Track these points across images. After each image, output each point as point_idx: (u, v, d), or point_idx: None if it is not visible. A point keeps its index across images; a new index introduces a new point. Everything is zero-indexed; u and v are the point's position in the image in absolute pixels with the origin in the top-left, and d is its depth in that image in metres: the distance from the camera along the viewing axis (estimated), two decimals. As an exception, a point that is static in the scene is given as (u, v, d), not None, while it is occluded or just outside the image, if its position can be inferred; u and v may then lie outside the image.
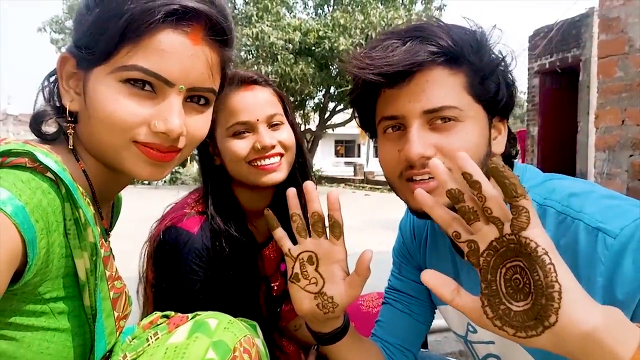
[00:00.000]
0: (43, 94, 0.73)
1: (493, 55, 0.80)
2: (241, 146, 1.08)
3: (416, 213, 0.80)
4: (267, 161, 1.09)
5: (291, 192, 0.82)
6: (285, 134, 1.13)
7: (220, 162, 1.14)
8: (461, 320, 0.95)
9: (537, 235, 0.54)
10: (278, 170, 1.10)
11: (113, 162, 0.70)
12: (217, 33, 0.71)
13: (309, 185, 0.81)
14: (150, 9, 0.64)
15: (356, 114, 0.87)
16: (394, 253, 1.12)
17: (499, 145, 0.83)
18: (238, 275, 1.11)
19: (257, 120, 1.09)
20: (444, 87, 0.75)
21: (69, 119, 0.70)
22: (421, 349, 1.93)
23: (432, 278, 0.62)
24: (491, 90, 0.78)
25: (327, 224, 0.82)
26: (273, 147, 1.09)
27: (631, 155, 2.45)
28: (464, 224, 0.60)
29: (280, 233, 0.85)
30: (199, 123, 0.74)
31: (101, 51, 0.65)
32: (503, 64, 0.80)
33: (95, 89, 0.67)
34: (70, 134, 0.70)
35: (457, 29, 0.78)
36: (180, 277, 1.06)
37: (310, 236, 0.83)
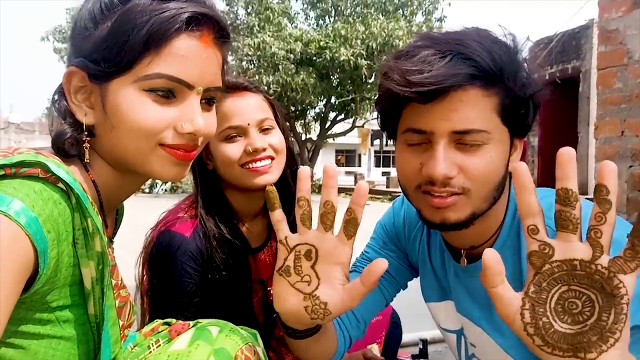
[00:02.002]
0: (55, 111, 0.74)
1: (526, 76, 0.77)
2: (233, 150, 1.12)
3: (428, 223, 0.81)
4: (258, 163, 1.12)
5: (304, 172, 0.74)
6: (276, 138, 1.16)
7: (213, 167, 1.17)
8: (456, 317, 0.97)
9: (631, 285, 0.54)
10: (269, 172, 1.14)
11: (139, 167, 0.72)
12: (222, 35, 0.75)
13: (329, 169, 0.72)
14: (170, 18, 0.67)
15: (378, 119, 0.86)
16: (379, 226, 1.12)
17: (514, 162, 0.81)
18: (231, 278, 1.13)
19: (249, 124, 1.12)
20: (476, 109, 0.73)
21: (86, 133, 0.71)
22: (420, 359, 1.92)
23: (492, 260, 0.58)
24: (521, 114, 0.77)
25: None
26: (264, 149, 1.13)
27: (630, 166, 2.46)
28: (544, 224, 0.57)
29: (279, 215, 0.76)
30: (211, 120, 0.77)
31: (123, 63, 0.67)
32: (536, 86, 0.78)
33: (118, 99, 0.68)
34: (87, 148, 0.71)
35: (498, 46, 0.75)
36: (174, 281, 1.07)
37: (313, 228, 0.74)
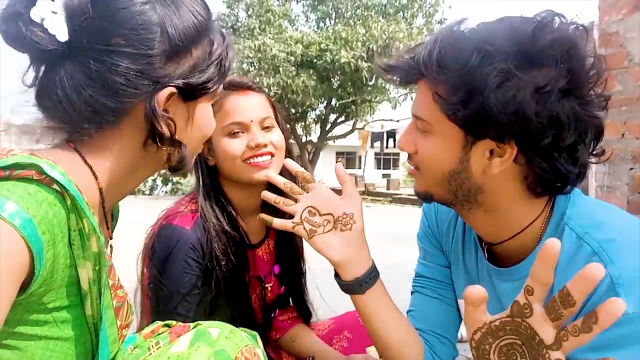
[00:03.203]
0: (162, 130, 0.73)
1: (488, 77, 0.71)
2: (236, 145, 1.16)
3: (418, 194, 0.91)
4: (259, 159, 1.16)
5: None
6: (277, 136, 1.21)
7: (215, 163, 1.20)
8: None
9: None
10: (269, 168, 1.17)
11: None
12: None
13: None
14: (233, 55, 0.82)
15: None
16: (418, 239, 1.13)
17: (493, 167, 0.78)
18: (231, 271, 1.15)
19: (251, 121, 1.17)
20: (421, 99, 0.81)
21: (177, 143, 0.78)
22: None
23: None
24: (469, 112, 0.73)
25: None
26: (265, 145, 1.17)
27: (631, 169, 2.46)
28: (544, 291, 0.60)
29: (278, 222, 0.95)
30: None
31: (214, 88, 0.79)
32: (500, 87, 0.71)
33: (202, 115, 0.80)
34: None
35: (459, 42, 0.74)
36: (175, 273, 1.08)
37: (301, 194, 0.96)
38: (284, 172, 1.24)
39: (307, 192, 0.95)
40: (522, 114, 0.71)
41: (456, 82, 0.74)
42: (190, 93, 0.75)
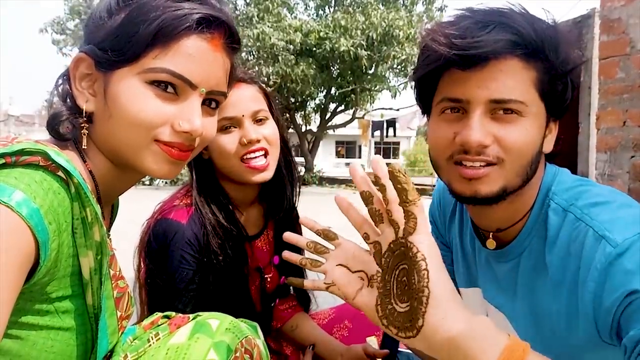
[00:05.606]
0: (57, 94, 0.74)
1: (570, 55, 0.77)
2: (229, 141, 1.13)
3: (458, 196, 0.81)
4: (255, 155, 1.13)
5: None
6: (270, 130, 1.17)
7: (209, 157, 1.18)
8: (482, 304, 0.97)
9: (421, 241, 0.58)
10: (268, 170, 1.16)
11: (132, 161, 0.72)
12: (233, 41, 0.77)
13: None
14: (182, 16, 0.69)
15: (415, 90, 0.86)
16: None
17: (548, 143, 0.82)
18: (228, 265, 1.14)
19: (243, 115, 1.14)
20: (514, 80, 0.74)
21: (84, 119, 0.72)
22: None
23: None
24: (558, 91, 0.78)
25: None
26: (258, 141, 1.14)
27: (632, 157, 2.45)
28: (373, 226, 0.64)
29: (309, 284, 0.77)
30: (211, 124, 0.78)
31: (130, 53, 0.69)
32: (575, 64, 0.78)
33: (120, 89, 0.69)
34: (84, 135, 0.72)
35: (539, 20, 0.76)
36: (172, 268, 1.08)
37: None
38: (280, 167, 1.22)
39: (333, 249, 0.78)
40: (577, 86, 0.78)
41: (561, 60, 0.76)
42: (102, 61, 0.70)
